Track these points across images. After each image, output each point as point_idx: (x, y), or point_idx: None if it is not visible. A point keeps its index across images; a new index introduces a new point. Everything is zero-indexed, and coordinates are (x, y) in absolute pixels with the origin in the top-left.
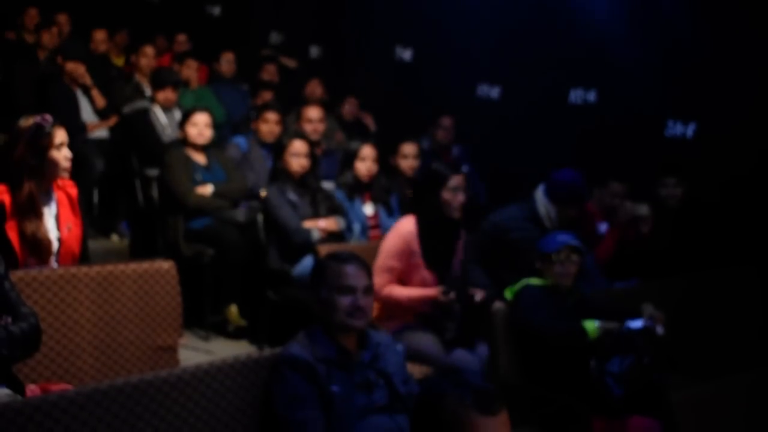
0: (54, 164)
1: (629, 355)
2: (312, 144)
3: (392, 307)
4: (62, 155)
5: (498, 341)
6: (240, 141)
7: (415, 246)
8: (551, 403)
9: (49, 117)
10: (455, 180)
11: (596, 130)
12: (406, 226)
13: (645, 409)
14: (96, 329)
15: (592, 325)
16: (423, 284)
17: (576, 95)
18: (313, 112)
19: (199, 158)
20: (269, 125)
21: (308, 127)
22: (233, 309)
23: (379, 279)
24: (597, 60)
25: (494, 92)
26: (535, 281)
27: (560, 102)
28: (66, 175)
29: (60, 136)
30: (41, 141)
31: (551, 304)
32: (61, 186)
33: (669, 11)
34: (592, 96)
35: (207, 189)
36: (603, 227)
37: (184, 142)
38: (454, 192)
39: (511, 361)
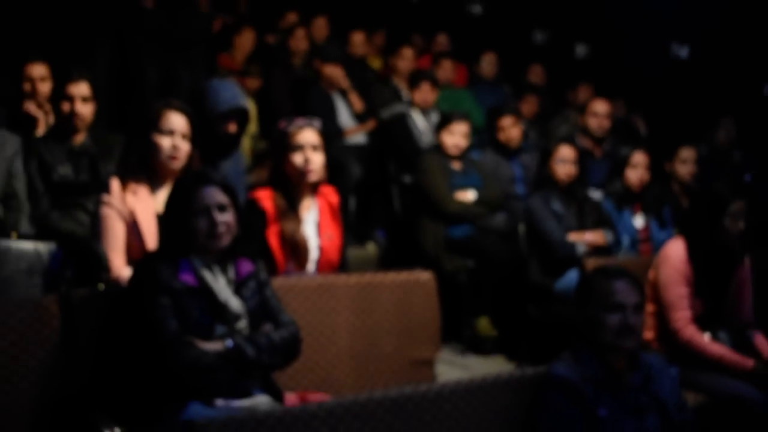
0: (292, 166)
1: None
2: (581, 151)
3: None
4: (303, 158)
5: None
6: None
7: (688, 272)
8: None
9: (299, 120)
10: (737, 206)
11: None
12: (675, 250)
13: None
14: (353, 339)
15: None
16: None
17: None
18: (600, 106)
19: (455, 164)
20: (507, 132)
21: (593, 122)
22: (484, 321)
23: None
24: None
25: None
26: None
27: None
28: (314, 178)
29: (302, 137)
30: (281, 143)
31: None
32: (324, 194)
33: None
34: None
35: (468, 195)
36: None
37: (439, 148)
38: (735, 219)
39: None
